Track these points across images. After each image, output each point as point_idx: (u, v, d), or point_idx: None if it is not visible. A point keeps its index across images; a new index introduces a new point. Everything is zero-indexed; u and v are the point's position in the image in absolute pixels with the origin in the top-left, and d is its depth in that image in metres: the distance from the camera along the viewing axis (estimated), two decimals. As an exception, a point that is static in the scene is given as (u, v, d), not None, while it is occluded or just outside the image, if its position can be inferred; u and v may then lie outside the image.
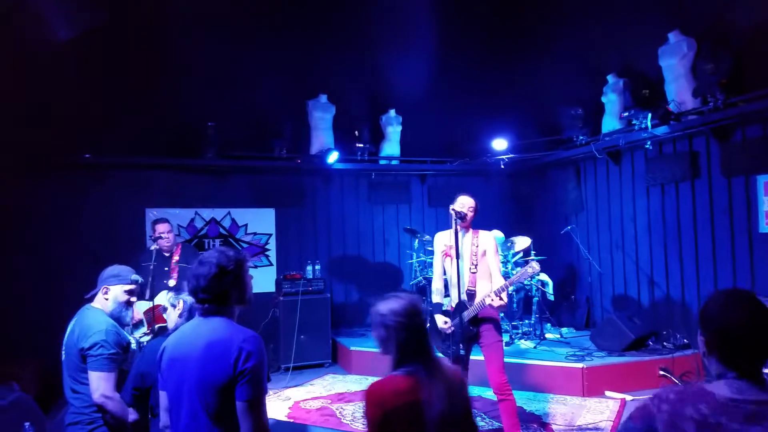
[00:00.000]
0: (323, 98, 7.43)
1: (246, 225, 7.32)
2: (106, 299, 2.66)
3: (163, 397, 1.97)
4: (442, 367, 1.97)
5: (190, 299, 2.43)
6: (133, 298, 2.76)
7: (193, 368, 1.84)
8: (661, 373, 5.31)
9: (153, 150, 6.70)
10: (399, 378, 1.89)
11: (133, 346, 2.74)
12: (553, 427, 4.43)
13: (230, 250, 1.99)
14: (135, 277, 2.77)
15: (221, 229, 7.21)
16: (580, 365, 5.25)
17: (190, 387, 1.84)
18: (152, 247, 4.69)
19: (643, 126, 5.90)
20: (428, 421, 1.82)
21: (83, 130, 6.13)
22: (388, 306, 1.96)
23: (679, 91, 5.72)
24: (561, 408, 4.85)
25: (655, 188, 6.30)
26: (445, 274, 3.97)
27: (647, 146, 6.09)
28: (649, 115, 5.80)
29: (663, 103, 5.77)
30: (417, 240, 6.97)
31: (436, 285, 3.98)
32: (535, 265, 3.75)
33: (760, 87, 4.94)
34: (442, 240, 3.95)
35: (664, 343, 5.74)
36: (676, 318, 5.99)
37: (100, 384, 2.44)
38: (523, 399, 5.02)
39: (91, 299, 2.70)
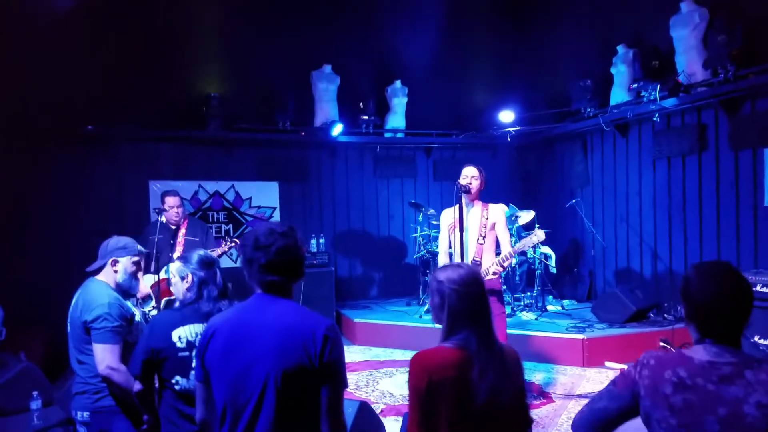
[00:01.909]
0: (327, 69, 7.34)
1: (250, 198, 7.35)
2: (116, 271, 2.66)
3: (200, 390, 1.76)
4: (498, 344, 1.81)
5: (201, 273, 2.38)
6: (139, 268, 2.77)
7: (266, 358, 1.61)
8: (661, 344, 5.33)
9: (157, 122, 6.68)
10: (447, 350, 1.76)
11: (138, 318, 2.76)
12: (553, 395, 4.51)
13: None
14: (140, 247, 2.79)
15: (225, 202, 7.24)
16: (580, 336, 5.31)
17: (261, 379, 1.61)
18: (160, 219, 4.70)
19: (651, 98, 5.82)
20: (475, 401, 1.69)
21: (86, 101, 6.12)
22: (446, 273, 1.84)
23: (689, 62, 5.61)
24: (561, 378, 4.93)
25: (661, 161, 6.25)
26: (450, 248, 3.99)
27: (655, 119, 6.02)
28: (658, 86, 5.72)
29: (673, 75, 5.67)
30: (421, 214, 6.98)
31: (443, 259, 4.02)
32: (539, 233, 3.77)
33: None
34: (450, 215, 3.97)
35: (665, 315, 5.78)
36: (678, 290, 6.00)
37: (105, 356, 2.46)
38: (523, 369, 5.10)
39: (94, 272, 2.70)
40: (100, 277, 2.68)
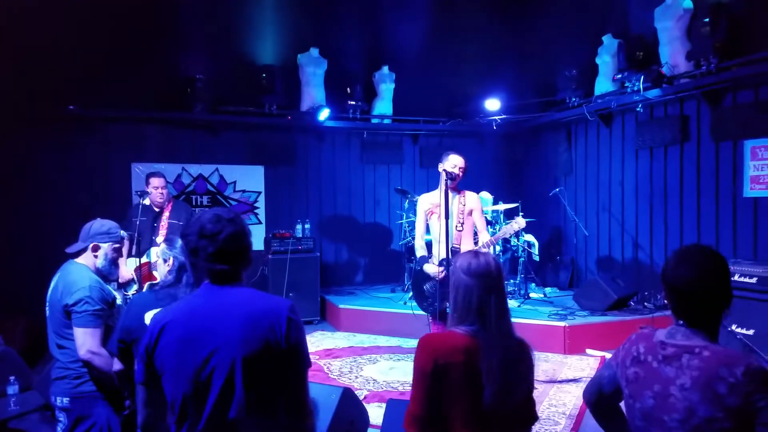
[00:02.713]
0: (315, 52, 7.26)
1: (235, 182, 7.28)
2: (96, 256, 2.63)
3: (142, 391, 1.66)
4: (512, 337, 1.77)
5: (182, 258, 2.30)
6: (119, 254, 2.73)
7: (230, 345, 1.56)
8: (641, 332, 5.47)
9: (140, 103, 6.57)
10: (457, 335, 1.74)
11: (119, 302, 2.73)
12: (535, 382, 4.57)
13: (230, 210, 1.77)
14: (122, 233, 2.75)
15: (209, 186, 7.17)
16: (562, 324, 5.39)
17: (225, 367, 1.55)
18: (143, 201, 4.63)
19: (635, 89, 5.87)
20: (485, 389, 1.67)
21: (69, 81, 5.98)
22: (464, 260, 1.81)
23: (673, 53, 5.66)
24: (543, 365, 5.01)
25: (644, 151, 6.32)
26: (428, 233, 4.03)
27: (639, 109, 6.08)
28: (642, 77, 5.76)
29: (656, 66, 5.72)
30: (407, 200, 6.99)
31: (420, 243, 4.07)
32: (520, 221, 3.81)
33: (754, 51, 4.90)
34: (428, 200, 4.01)
35: (645, 304, 5.90)
36: (659, 279, 6.11)
37: (86, 340, 2.43)
38: (505, 355, 5.17)
39: (74, 254, 2.66)
40: (80, 260, 2.64)
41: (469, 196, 3.97)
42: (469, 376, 1.68)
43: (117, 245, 2.70)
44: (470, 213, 3.92)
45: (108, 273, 2.67)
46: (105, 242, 2.65)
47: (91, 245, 2.63)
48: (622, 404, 1.68)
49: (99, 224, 2.68)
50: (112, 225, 2.71)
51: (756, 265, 4.27)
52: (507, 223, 6.19)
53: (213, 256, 1.62)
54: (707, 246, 1.60)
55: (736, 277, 4.25)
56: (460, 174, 3.85)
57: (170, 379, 1.58)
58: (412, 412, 1.72)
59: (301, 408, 1.63)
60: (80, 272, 2.57)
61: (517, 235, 6.55)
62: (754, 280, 4.17)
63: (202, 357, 1.56)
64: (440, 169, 3.71)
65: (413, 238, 6.63)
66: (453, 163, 3.83)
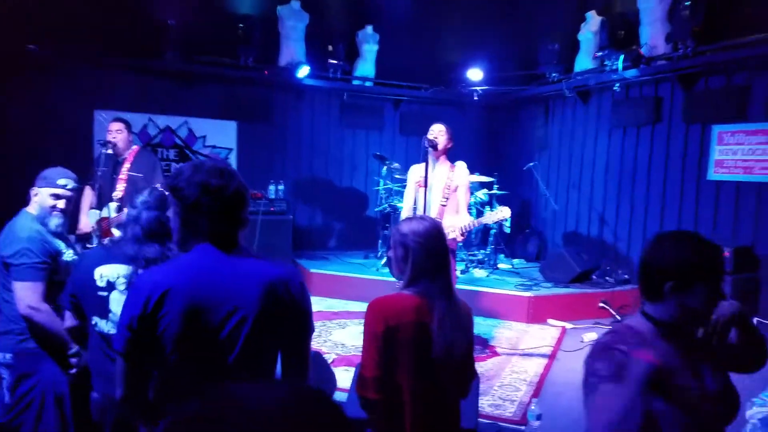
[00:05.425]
0: (296, 5, 7.00)
1: (204, 136, 7.07)
2: (35, 202, 2.45)
3: (122, 364, 1.49)
4: (456, 298, 1.90)
5: (134, 212, 2.09)
6: (61, 204, 2.47)
7: (246, 311, 1.49)
8: (601, 305, 5.69)
9: (107, 47, 6.21)
10: (407, 296, 1.82)
11: (69, 256, 2.47)
12: (498, 349, 4.74)
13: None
14: (63, 181, 2.48)
15: (177, 139, 6.93)
16: (527, 294, 5.55)
17: (240, 333, 1.49)
18: (104, 151, 4.37)
19: (614, 67, 5.92)
20: (433, 349, 1.76)
21: (33, 20, 5.61)
22: (410, 226, 1.89)
23: (653, 34, 5.71)
24: (506, 333, 5.17)
25: (617, 130, 6.43)
26: (415, 205, 4.01)
27: (616, 88, 6.15)
28: (622, 57, 5.81)
29: (636, 46, 5.77)
30: (385, 167, 6.93)
31: (407, 214, 4.03)
32: (505, 211, 3.81)
33: (729, 38, 5.00)
34: (418, 171, 3.93)
35: (607, 278, 6.12)
36: (621, 255, 6.35)
37: (25, 294, 2.27)
38: (471, 323, 5.30)
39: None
40: (29, 208, 2.45)
41: (458, 171, 3.90)
42: (418, 335, 1.78)
43: (54, 191, 2.45)
44: (456, 188, 3.87)
45: (43, 222, 2.44)
46: (42, 187, 2.44)
47: (32, 190, 2.45)
48: None
49: (45, 171, 2.48)
50: (53, 171, 2.48)
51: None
52: (483, 202, 6.17)
53: (218, 214, 1.49)
54: (680, 231, 1.57)
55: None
56: (440, 139, 3.80)
57: (180, 342, 1.47)
58: (365, 375, 1.79)
59: (304, 368, 1.66)
60: (24, 222, 2.39)
61: (499, 221, 6.29)
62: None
63: (219, 319, 1.49)
64: (423, 140, 3.69)
65: (389, 206, 6.66)
66: (432, 129, 3.81)
